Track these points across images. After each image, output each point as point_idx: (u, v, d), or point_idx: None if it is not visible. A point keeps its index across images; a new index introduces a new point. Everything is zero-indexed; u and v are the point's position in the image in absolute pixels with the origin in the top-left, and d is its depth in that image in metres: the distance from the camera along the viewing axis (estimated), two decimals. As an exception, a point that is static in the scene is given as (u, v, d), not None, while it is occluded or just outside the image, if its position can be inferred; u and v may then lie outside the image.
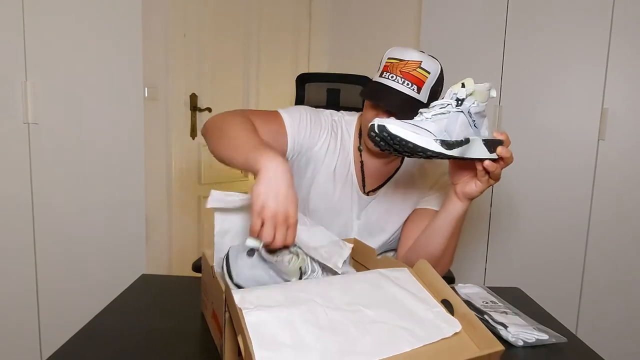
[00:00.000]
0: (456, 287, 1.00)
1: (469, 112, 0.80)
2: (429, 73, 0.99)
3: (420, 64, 0.99)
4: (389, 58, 1.02)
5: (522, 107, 1.95)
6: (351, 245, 0.87)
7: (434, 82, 1.01)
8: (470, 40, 2.01)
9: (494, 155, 0.83)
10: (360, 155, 1.14)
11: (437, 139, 0.75)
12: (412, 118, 0.84)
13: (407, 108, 0.97)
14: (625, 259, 1.85)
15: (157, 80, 2.22)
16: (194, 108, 2.42)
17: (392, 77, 0.99)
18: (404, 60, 0.99)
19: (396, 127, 0.75)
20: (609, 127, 1.83)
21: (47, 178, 1.63)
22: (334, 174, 1.13)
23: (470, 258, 2.08)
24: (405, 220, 1.17)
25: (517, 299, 1.00)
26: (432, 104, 0.84)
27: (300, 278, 0.75)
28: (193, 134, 2.44)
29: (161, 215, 2.33)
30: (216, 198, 0.77)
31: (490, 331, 0.84)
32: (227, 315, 0.65)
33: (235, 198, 0.79)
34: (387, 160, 1.14)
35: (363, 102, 1.14)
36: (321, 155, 1.12)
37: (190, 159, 2.46)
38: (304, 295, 0.66)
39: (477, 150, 0.81)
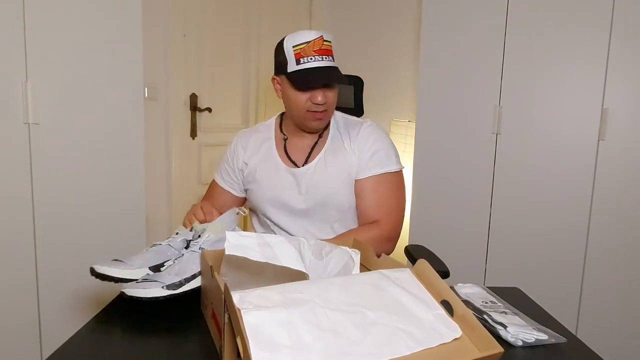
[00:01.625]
0: (456, 287, 1.00)
1: (200, 248, 0.92)
2: (330, 42, 1.14)
3: (323, 37, 1.12)
4: (294, 46, 1.12)
5: (522, 107, 1.95)
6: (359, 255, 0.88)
7: (334, 47, 1.16)
8: (470, 40, 2.01)
9: None
10: (285, 141, 1.27)
11: (164, 286, 0.85)
12: (341, 82, 1.13)
13: (335, 77, 1.12)
14: (626, 259, 1.85)
15: (157, 80, 2.22)
16: (194, 108, 2.42)
17: (310, 58, 1.11)
18: (310, 41, 1.11)
19: (130, 289, 0.85)
20: (609, 127, 1.83)
21: (47, 178, 1.63)
22: (266, 167, 1.26)
23: (470, 258, 2.08)
24: (357, 198, 1.24)
25: (517, 299, 1.00)
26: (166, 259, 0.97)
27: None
28: (193, 134, 2.44)
29: (161, 215, 2.33)
30: (233, 243, 0.76)
31: (490, 331, 0.84)
32: (226, 315, 0.65)
33: (252, 241, 0.78)
34: (308, 134, 1.26)
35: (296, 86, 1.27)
36: (251, 167, 1.27)
37: (190, 159, 2.46)
38: (304, 295, 0.66)
39: None
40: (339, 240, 1.05)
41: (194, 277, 0.89)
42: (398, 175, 1.24)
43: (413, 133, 2.18)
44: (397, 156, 1.26)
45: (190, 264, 0.90)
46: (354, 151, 1.22)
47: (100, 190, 1.75)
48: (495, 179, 2.02)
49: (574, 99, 1.88)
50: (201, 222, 1.07)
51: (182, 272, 0.89)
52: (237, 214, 1.02)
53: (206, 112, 2.46)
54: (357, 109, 1.61)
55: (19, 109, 1.56)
